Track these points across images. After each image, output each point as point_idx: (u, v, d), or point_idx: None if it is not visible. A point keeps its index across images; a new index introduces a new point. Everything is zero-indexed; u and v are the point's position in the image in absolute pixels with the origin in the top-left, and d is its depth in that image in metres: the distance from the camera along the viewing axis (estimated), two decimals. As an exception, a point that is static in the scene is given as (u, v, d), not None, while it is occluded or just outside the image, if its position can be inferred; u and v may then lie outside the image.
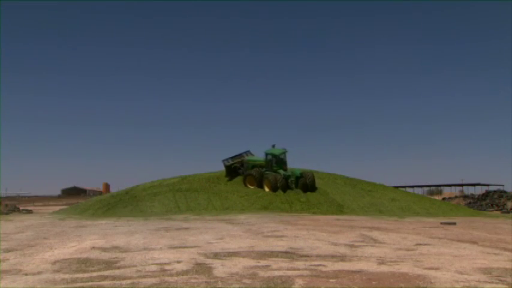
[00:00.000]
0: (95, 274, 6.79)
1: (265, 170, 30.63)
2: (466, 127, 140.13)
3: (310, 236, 12.14)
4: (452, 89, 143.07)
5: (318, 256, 8.42)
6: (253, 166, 31.56)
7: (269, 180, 29.46)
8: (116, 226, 16.87)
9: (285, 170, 30.86)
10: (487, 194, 48.45)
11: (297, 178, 30.05)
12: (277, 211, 25.03)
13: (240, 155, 33.50)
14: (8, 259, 8.57)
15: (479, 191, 67.08)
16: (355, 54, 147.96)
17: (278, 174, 29.92)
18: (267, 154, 31.51)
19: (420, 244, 10.40)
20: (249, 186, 30.14)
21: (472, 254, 8.73)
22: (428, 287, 5.73)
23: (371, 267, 7.22)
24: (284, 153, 31.75)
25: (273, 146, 32.15)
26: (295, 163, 47.13)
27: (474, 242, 10.88)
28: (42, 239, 12.37)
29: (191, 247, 9.90)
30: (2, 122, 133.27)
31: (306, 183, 29.53)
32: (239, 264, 7.49)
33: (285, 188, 29.45)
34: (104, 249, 9.70)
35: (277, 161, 31.18)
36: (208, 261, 7.90)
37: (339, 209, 26.31)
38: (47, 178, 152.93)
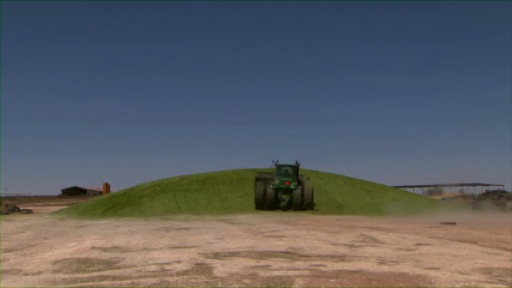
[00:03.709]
0: (95, 274, 6.80)
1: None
2: (466, 127, 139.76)
3: (310, 236, 12.14)
4: (452, 88, 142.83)
5: (318, 256, 8.42)
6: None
7: (255, 193, 25.82)
8: (116, 226, 16.87)
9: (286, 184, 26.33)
10: (487, 194, 48.45)
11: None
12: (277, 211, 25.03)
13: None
14: (8, 259, 8.57)
15: (479, 191, 67.09)
16: (355, 53, 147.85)
17: (268, 186, 25.93)
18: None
19: (420, 244, 10.40)
20: None
21: (472, 254, 8.73)
22: (429, 287, 5.74)
23: (371, 267, 7.22)
24: (291, 166, 27.90)
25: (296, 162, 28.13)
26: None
27: (474, 242, 10.87)
28: (42, 239, 12.37)
29: (191, 247, 9.90)
30: (2, 122, 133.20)
31: (300, 200, 25.62)
32: (239, 264, 7.50)
33: (273, 203, 25.55)
34: (104, 249, 9.70)
35: (282, 174, 27.27)
36: (208, 261, 7.90)
37: (339, 209, 26.35)
38: (47, 178, 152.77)
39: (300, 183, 26.79)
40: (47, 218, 23.97)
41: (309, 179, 27.88)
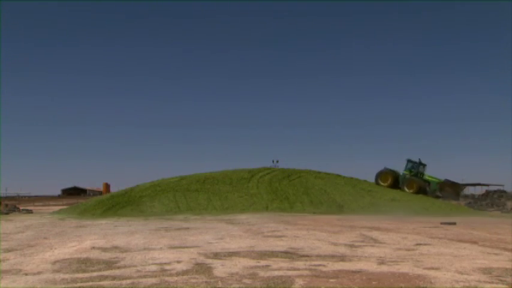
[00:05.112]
0: (95, 274, 6.80)
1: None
2: (466, 127, 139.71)
3: (310, 236, 12.14)
4: (452, 89, 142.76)
5: (318, 256, 8.42)
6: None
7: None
8: (116, 226, 16.87)
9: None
10: (487, 194, 48.40)
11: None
12: (277, 211, 25.05)
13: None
14: (8, 259, 8.57)
15: (479, 191, 66.99)
16: (355, 54, 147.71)
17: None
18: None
19: (420, 244, 10.40)
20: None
21: (472, 254, 8.73)
22: (429, 287, 5.74)
23: (371, 267, 7.22)
24: (412, 162, 37.05)
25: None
26: (296, 163, 46.96)
27: (474, 242, 10.88)
28: (42, 239, 12.37)
29: (191, 247, 9.91)
30: (2, 122, 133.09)
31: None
32: (239, 264, 7.50)
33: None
34: (104, 249, 9.70)
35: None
36: (208, 261, 7.90)
37: (339, 209, 26.35)
38: (47, 178, 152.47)
39: (406, 176, 36.09)
40: (47, 218, 23.96)
41: (426, 182, 36.74)
